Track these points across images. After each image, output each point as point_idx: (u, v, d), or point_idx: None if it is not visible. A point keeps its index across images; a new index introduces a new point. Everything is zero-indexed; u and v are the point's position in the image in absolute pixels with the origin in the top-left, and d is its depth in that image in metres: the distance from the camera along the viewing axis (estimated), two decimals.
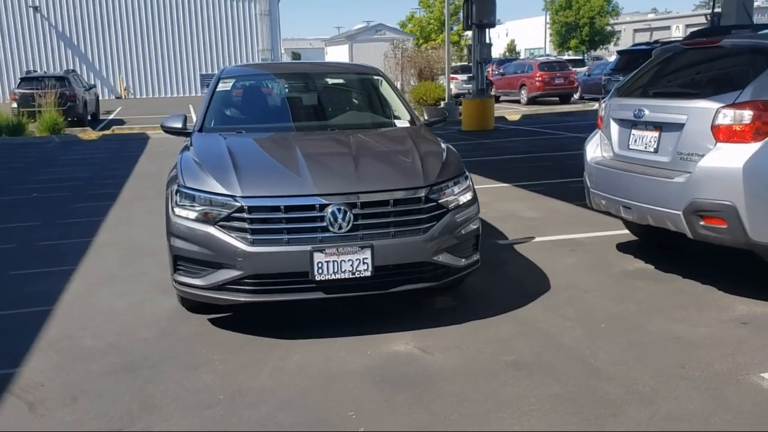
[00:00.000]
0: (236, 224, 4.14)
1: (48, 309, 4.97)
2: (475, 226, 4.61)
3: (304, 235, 4.12)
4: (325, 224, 4.12)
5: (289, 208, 4.14)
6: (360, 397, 3.51)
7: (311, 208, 4.15)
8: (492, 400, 3.43)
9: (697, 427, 3.14)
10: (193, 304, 4.70)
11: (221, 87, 5.80)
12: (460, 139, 15.30)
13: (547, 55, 37.63)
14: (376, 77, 6.16)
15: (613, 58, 39.41)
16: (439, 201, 4.37)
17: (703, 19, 54.64)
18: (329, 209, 4.13)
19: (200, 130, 5.32)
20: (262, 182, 4.29)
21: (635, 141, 5.29)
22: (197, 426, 3.28)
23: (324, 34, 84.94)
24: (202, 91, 38.91)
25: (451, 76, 22.22)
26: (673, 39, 14.44)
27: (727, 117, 4.51)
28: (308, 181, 4.27)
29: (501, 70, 28.85)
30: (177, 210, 4.37)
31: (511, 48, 60.55)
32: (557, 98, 26.45)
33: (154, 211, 8.27)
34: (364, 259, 4.13)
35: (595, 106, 25.22)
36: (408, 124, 5.53)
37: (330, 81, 6.38)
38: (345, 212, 4.13)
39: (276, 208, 4.14)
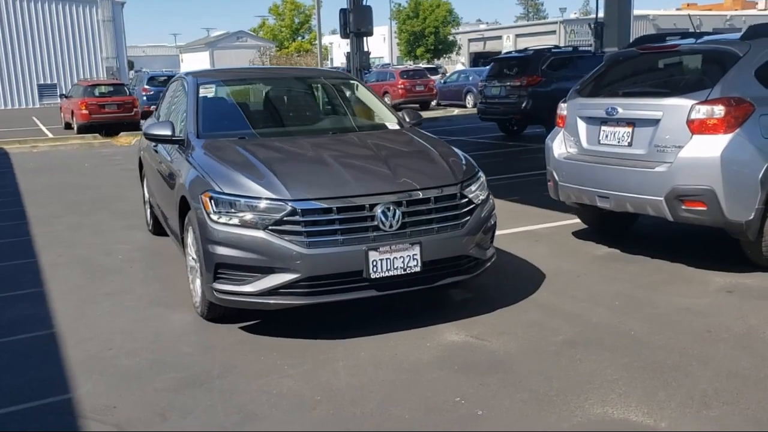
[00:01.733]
0: (289, 228, 4.14)
1: (50, 332, 4.64)
2: (493, 221, 4.89)
3: (358, 234, 4.20)
4: (375, 223, 4.22)
5: (341, 209, 4.20)
6: (453, 384, 3.67)
7: (362, 208, 4.23)
8: (575, 375, 3.72)
9: (761, 378, 3.61)
10: (216, 315, 4.61)
11: (204, 93, 5.66)
12: None
13: (408, 64, 38.94)
14: (351, 81, 6.28)
15: (459, 66, 41.49)
16: (469, 197, 4.61)
17: (531, 30, 57.82)
18: (378, 209, 4.23)
19: (198, 137, 5.17)
20: (309, 185, 4.31)
21: (606, 136, 5.83)
22: (317, 427, 3.29)
23: (158, 42, 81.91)
24: (40, 102, 36.25)
25: None
26: (545, 46, 15.60)
27: (701, 112, 5.12)
28: (354, 182, 4.36)
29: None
30: (216, 217, 4.27)
31: (324, 55, 62.13)
32: (418, 105, 27.44)
33: (83, 228, 7.86)
34: (414, 255, 4.28)
35: (455, 111, 26.50)
36: (398, 126, 5.71)
37: (311, 85, 6.41)
38: (394, 211, 4.26)
39: (328, 210, 4.19)
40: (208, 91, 5.70)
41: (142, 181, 7.57)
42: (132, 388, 3.76)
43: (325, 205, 4.19)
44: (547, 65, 15.24)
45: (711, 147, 5.06)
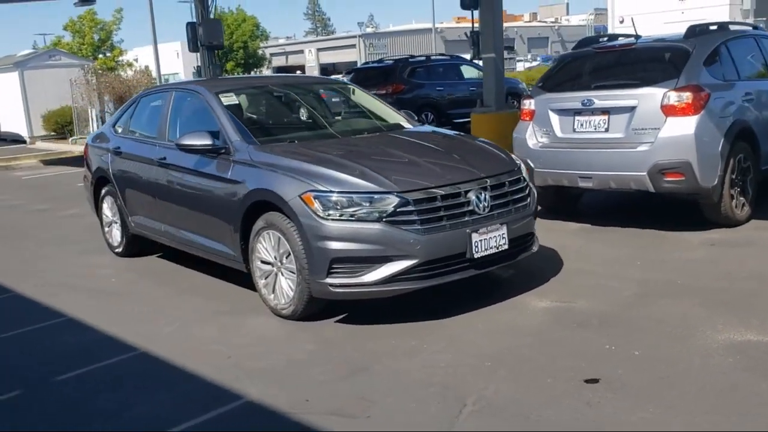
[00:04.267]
0: (403, 218, 4.41)
1: (149, 352, 4.47)
2: (535, 203, 5.47)
3: (459, 219, 4.58)
4: (471, 208, 4.63)
5: (444, 197, 4.55)
6: (586, 337, 4.18)
7: (458, 194, 4.62)
8: (675, 316, 4.38)
9: None
10: (312, 312, 4.72)
11: (226, 101, 5.65)
12: None
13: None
14: (350, 86, 6.57)
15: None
16: (527, 180, 5.17)
17: (332, 44, 58.72)
18: (471, 194, 4.65)
19: (247, 143, 5.18)
20: (408, 177, 4.59)
21: (581, 125, 6.66)
22: (514, 383, 3.65)
23: None
24: None
25: None
26: (403, 56, 16.51)
27: (672, 98, 6.11)
28: (442, 172, 4.72)
29: None
30: (326, 214, 4.42)
31: (148, 73, 59.47)
32: None
33: (37, 259, 7.28)
34: (502, 234, 4.75)
35: None
36: (412, 126, 6.09)
37: (321, 90, 6.55)
38: (485, 195, 4.70)
39: (434, 198, 4.52)
40: (229, 99, 5.69)
41: (98, 201, 7.17)
42: (295, 384, 3.83)
43: (430, 194, 4.52)
44: (408, 73, 16.19)
45: (685, 126, 6.06)
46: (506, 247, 4.77)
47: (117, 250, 7.01)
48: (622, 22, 36.94)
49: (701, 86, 6.15)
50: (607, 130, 6.50)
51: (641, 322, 4.37)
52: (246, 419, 3.52)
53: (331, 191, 4.47)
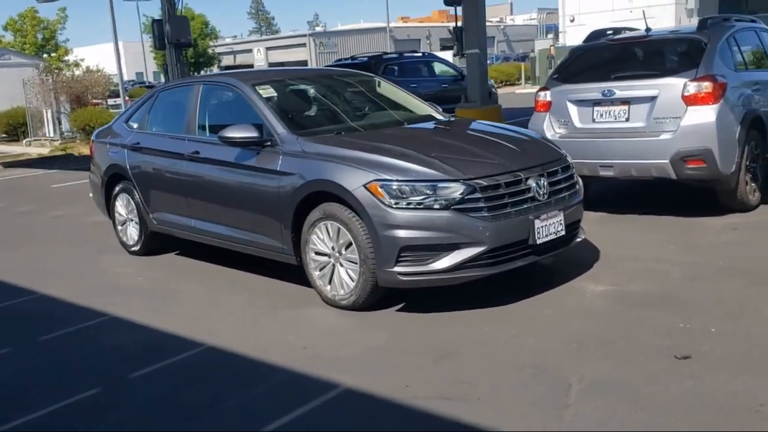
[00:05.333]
0: (470, 205, 4.44)
1: (230, 348, 4.38)
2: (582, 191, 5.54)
3: (522, 206, 4.64)
4: (532, 195, 4.69)
5: (507, 184, 4.60)
6: (657, 318, 4.29)
7: (519, 182, 4.67)
8: (745, 301, 4.50)
9: None
10: (373, 302, 4.71)
11: (265, 93, 5.57)
12: None
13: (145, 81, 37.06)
14: (376, 78, 6.57)
15: None
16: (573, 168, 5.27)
17: (282, 42, 58.23)
18: (531, 181, 4.71)
19: (295, 135, 5.13)
20: (471, 166, 4.62)
21: (601, 115, 6.81)
22: (615, 359, 3.72)
23: None
24: None
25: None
26: (377, 52, 16.47)
27: (693, 88, 6.30)
28: (501, 160, 4.78)
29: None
30: (394, 203, 4.42)
31: (104, 74, 58.51)
32: None
33: (51, 259, 7.03)
34: (559, 220, 4.83)
35: None
36: (441, 116, 6.12)
37: (351, 82, 6.51)
38: (544, 182, 4.77)
39: (498, 185, 4.56)
40: (266, 92, 5.61)
41: (110, 200, 6.97)
42: (387, 371, 3.82)
43: (495, 182, 4.56)
44: (382, 70, 16.20)
45: (705, 115, 6.26)
46: (563, 233, 4.85)
47: (133, 249, 6.83)
48: (572, 20, 37.86)
49: (718, 76, 6.36)
50: (627, 120, 6.66)
51: (701, 302, 4.50)
52: (350, 407, 3.49)
53: (397, 180, 4.47)
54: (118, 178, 6.85)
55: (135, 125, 6.79)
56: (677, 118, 6.36)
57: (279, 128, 5.20)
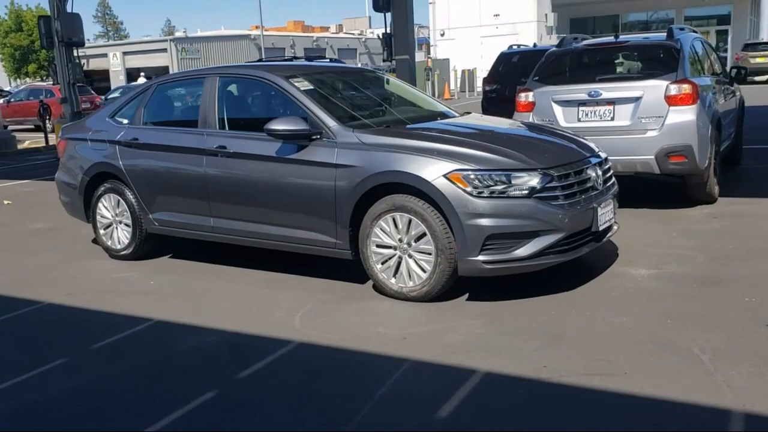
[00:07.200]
0: (549, 194, 4.60)
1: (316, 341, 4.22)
2: None
3: (587, 194, 4.86)
4: (592, 184, 4.93)
5: (576, 173, 4.81)
6: (721, 294, 4.64)
7: (581, 171, 4.90)
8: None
9: None
10: (444, 291, 4.74)
11: (302, 86, 5.42)
12: None
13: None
14: (384, 75, 6.56)
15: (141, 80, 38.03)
16: None
17: (140, 47, 55.41)
18: (590, 171, 4.95)
19: (345, 128, 5.05)
20: (541, 155, 4.78)
21: (586, 115, 7.23)
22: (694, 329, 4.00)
23: None
24: None
25: None
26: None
27: (674, 89, 6.86)
28: (563, 151, 4.98)
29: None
30: (478, 192, 4.49)
31: None
32: None
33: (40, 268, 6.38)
34: (611, 208, 5.12)
35: None
36: (456, 113, 6.23)
37: (369, 77, 6.42)
38: (598, 172, 5.02)
39: (568, 175, 4.76)
40: (303, 85, 5.46)
41: (91, 201, 6.46)
42: (512, 355, 3.88)
43: (566, 171, 4.75)
44: None
45: (686, 114, 6.84)
46: (614, 220, 5.13)
47: (122, 253, 6.35)
48: (443, 35, 39.31)
49: (693, 79, 6.97)
50: (612, 119, 7.12)
51: (745, 279, 4.92)
52: (506, 389, 3.50)
53: (479, 169, 4.54)
54: (103, 177, 6.36)
55: (124, 120, 6.35)
56: (660, 117, 6.90)
57: (329, 121, 5.09)
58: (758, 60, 28.34)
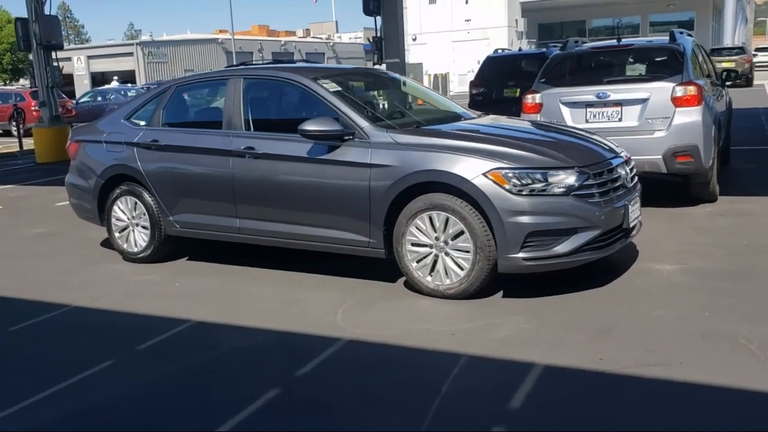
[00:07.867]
0: (585, 191, 4.70)
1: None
2: None
3: (618, 192, 4.97)
4: (622, 182, 5.05)
5: (608, 171, 4.92)
6: (753, 286, 4.78)
7: (612, 169, 5.01)
8: None
9: None
10: (479, 290, 4.81)
11: (330, 87, 5.45)
12: (42, 172, 12.86)
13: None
14: (400, 78, 6.62)
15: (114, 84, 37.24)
16: None
17: (106, 51, 54.70)
18: (620, 169, 5.07)
19: (378, 128, 5.09)
20: (576, 154, 4.88)
21: (594, 116, 7.38)
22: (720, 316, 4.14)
23: None
24: None
25: None
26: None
27: (680, 91, 7.05)
28: (592, 150, 5.09)
29: None
30: (518, 190, 4.56)
31: None
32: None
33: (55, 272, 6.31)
34: (638, 206, 5.24)
35: None
36: (473, 114, 6.32)
37: (386, 78, 6.45)
38: (627, 170, 5.15)
39: (602, 173, 4.86)
40: (331, 87, 5.49)
41: (106, 204, 6.39)
42: (564, 348, 3.96)
43: (599, 169, 4.86)
44: None
45: (692, 115, 7.03)
46: (640, 218, 5.26)
47: (139, 256, 6.29)
48: (414, 40, 39.51)
49: (698, 81, 7.17)
50: (620, 120, 7.27)
51: (763, 275, 5.09)
52: (571, 382, 3.57)
53: (518, 168, 4.62)
54: (119, 179, 6.30)
55: (141, 122, 6.29)
56: (667, 118, 7.07)
57: (361, 121, 5.13)
58: (724, 65, 29.07)
